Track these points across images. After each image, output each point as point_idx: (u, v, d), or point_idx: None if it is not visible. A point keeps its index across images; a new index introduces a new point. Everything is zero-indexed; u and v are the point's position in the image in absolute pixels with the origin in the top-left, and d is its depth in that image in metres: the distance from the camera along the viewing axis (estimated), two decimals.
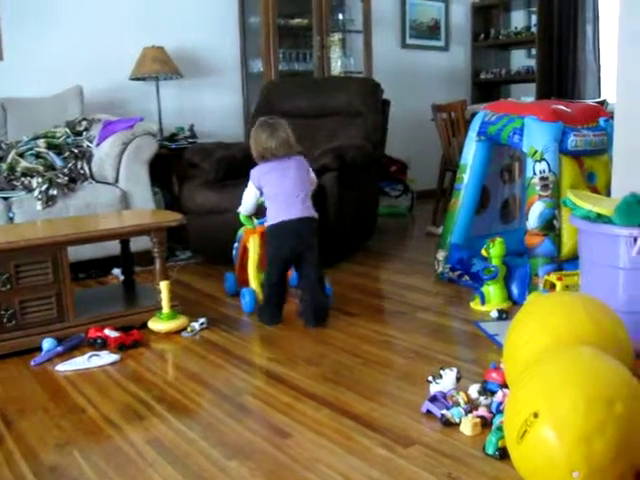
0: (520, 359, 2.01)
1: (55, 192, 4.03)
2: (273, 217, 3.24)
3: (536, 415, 1.64)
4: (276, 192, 3.24)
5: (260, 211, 3.47)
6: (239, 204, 3.50)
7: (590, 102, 4.82)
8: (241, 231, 3.66)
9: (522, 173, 4.07)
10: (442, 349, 2.82)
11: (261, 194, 3.35)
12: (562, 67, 6.66)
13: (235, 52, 5.91)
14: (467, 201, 3.85)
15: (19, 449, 2.10)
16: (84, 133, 4.58)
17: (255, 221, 3.57)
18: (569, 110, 3.56)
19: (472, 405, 2.18)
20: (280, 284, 3.29)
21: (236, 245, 3.74)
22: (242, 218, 3.53)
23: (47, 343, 2.93)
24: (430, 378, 2.33)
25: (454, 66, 7.54)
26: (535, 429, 1.63)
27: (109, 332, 2.99)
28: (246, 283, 3.59)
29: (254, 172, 3.30)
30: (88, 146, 4.49)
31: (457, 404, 2.17)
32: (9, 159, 4.26)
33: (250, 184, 3.36)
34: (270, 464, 1.94)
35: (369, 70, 6.20)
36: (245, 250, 3.63)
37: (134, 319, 3.22)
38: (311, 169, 3.43)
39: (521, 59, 7.62)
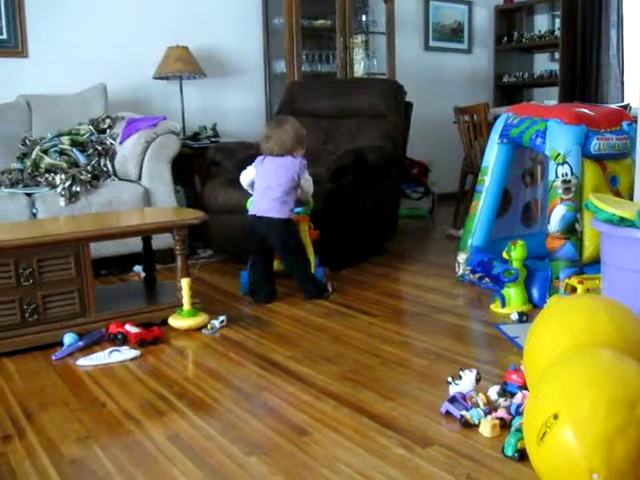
0: (540, 361, 2.00)
1: (78, 189, 4.06)
2: (251, 208, 3.65)
3: (556, 416, 1.63)
4: (257, 185, 3.61)
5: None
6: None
7: (613, 106, 4.79)
8: None
9: (544, 176, 4.06)
10: (462, 351, 2.82)
11: None
12: (585, 71, 6.63)
13: (258, 53, 5.93)
14: (488, 204, 3.84)
15: (40, 442, 2.12)
16: (108, 131, 4.62)
17: None
18: (592, 113, 3.54)
19: (491, 406, 2.17)
20: (256, 267, 3.64)
21: None
22: (248, 204, 3.77)
23: (68, 338, 2.96)
24: (449, 379, 2.33)
25: (477, 69, 7.52)
26: (555, 431, 1.62)
27: (130, 328, 3.01)
28: None
29: (257, 158, 3.67)
30: (111, 144, 4.52)
31: (476, 405, 2.16)
32: (33, 155, 4.31)
33: (252, 166, 3.69)
34: (289, 461, 1.95)
35: (392, 72, 6.20)
36: None
37: (155, 316, 3.24)
38: (307, 173, 3.63)
39: (544, 63, 7.59)
